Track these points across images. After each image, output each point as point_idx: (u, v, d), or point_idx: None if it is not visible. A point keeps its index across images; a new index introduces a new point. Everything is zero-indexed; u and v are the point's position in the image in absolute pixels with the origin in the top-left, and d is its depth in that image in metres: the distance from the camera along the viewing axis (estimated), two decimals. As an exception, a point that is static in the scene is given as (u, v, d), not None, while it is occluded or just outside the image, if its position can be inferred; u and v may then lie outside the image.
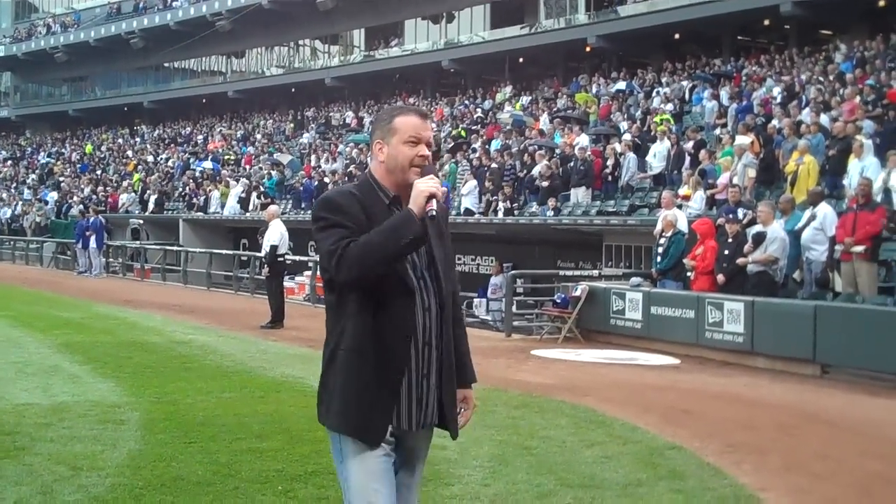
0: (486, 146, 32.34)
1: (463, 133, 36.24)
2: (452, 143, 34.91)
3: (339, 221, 3.89)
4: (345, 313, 3.97)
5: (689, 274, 17.07)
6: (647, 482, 7.65)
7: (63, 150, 65.26)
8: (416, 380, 3.95)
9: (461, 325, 4.26)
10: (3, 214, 50.87)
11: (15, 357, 13.94)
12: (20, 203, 51.88)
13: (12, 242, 46.56)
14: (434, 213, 3.83)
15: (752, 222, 16.67)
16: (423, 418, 3.99)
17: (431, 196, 3.83)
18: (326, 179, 36.68)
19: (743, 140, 20.95)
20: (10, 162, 67.17)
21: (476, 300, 25.16)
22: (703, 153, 22.69)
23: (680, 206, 19.44)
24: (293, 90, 55.16)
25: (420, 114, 4.10)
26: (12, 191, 57.93)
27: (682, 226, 17.83)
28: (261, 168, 42.62)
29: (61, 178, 55.59)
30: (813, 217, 16.07)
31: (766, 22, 35.38)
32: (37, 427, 9.05)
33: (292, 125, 51.41)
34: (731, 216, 16.79)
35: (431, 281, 4.00)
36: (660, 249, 17.81)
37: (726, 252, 16.16)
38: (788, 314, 14.56)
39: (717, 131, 24.85)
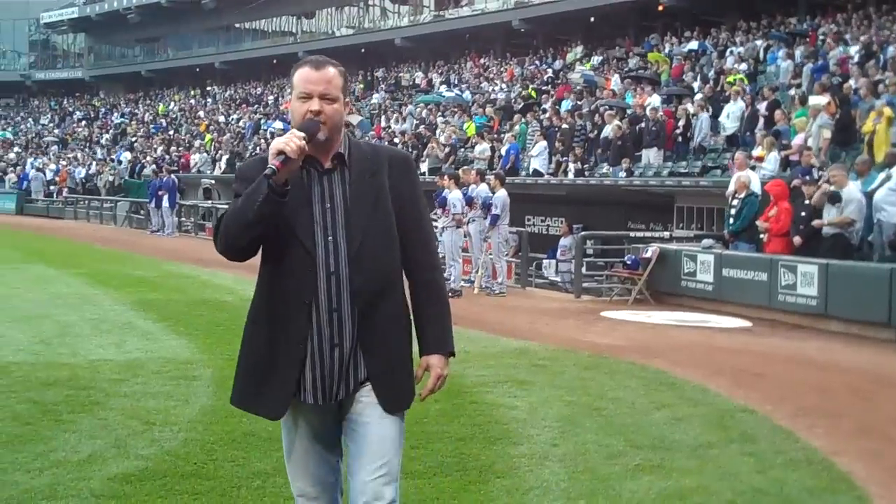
0: (557, 106, 32.10)
1: (533, 93, 36.00)
2: (522, 104, 34.74)
3: (238, 192, 3.68)
4: (259, 279, 3.80)
5: (761, 236, 16.85)
6: (717, 444, 7.58)
7: (136, 111, 65.99)
8: (325, 350, 3.65)
9: (429, 288, 3.87)
10: (77, 174, 51.58)
11: (90, 314, 14.18)
12: (94, 163, 52.56)
13: (87, 202, 47.22)
14: (271, 169, 3.48)
15: (828, 184, 16.38)
16: (336, 390, 3.68)
17: (279, 153, 3.51)
18: (396, 140, 36.74)
19: (818, 100, 20.55)
20: (84, 122, 68.14)
21: (545, 261, 25.05)
22: (777, 114, 22.31)
23: (753, 168, 19.16)
24: (363, 50, 55.15)
25: (313, 64, 3.75)
26: (86, 151, 58.70)
27: (756, 187, 17.56)
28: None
29: (134, 139, 56.22)
30: (888, 178, 15.73)
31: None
32: (111, 382, 9.21)
33: (362, 86, 51.43)
34: (807, 178, 16.52)
35: (345, 243, 3.66)
36: (732, 211, 17.57)
37: (802, 214, 15.91)
38: (864, 277, 14.31)
39: (792, 91, 24.41)
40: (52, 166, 54.70)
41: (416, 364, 3.86)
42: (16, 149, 64.91)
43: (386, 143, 36.28)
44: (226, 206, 3.97)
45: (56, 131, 68.10)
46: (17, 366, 9.96)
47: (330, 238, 3.66)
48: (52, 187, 52.18)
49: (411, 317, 3.85)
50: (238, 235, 3.63)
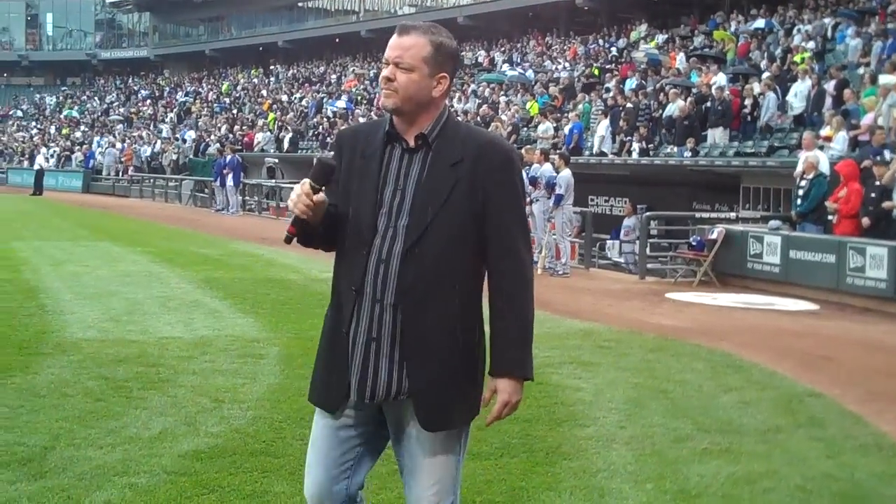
0: (621, 85, 31.87)
1: (597, 72, 35.78)
2: (585, 83, 34.55)
3: (327, 159, 3.53)
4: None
5: (830, 217, 16.63)
6: (785, 429, 7.52)
7: (200, 90, 66.52)
8: (360, 342, 3.39)
9: (508, 301, 3.45)
10: (142, 152, 52.20)
11: (158, 292, 14.34)
12: (159, 141, 53.14)
13: (152, 180, 47.78)
14: (287, 237, 3.43)
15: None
16: (374, 390, 3.37)
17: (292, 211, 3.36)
18: (458, 118, 36.63)
19: (888, 79, 20.20)
20: (149, 101, 68.87)
21: (609, 242, 24.94)
22: (846, 93, 21.96)
23: (821, 148, 18.90)
24: (425, 29, 55.05)
25: (400, 31, 3.47)
26: (151, 129, 59.35)
27: (824, 168, 17.33)
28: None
29: (198, 118, 56.71)
30: (962, 159, 15.49)
31: (916, -45, 33.96)
32: (180, 360, 9.31)
33: (424, 64, 51.37)
34: (877, 158, 16.27)
35: (403, 231, 3.36)
36: (800, 192, 17.35)
37: (872, 195, 15.68)
38: (935, 260, 14.10)
39: (861, 70, 24.01)
40: (119, 145, 55.39)
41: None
42: (82, 127, 65.82)
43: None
44: (290, 186, 3.82)
45: (121, 110, 68.95)
46: (88, 342, 10.10)
47: (393, 223, 3.37)
48: (118, 165, 52.86)
49: (483, 329, 3.50)
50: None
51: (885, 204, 15.32)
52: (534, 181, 19.21)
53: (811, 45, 27.96)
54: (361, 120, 41.14)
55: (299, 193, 3.34)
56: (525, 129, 32.46)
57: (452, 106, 39.15)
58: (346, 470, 3.53)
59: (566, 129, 29.40)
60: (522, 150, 21.29)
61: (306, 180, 3.37)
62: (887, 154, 16.74)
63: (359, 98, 48.12)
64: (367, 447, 3.56)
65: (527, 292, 3.50)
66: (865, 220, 15.66)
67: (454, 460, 3.50)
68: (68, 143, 62.13)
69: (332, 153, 3.59)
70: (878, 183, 15.71)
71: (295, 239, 3.46)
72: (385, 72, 3.41)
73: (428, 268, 3.35)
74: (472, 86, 40.88)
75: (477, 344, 3.48)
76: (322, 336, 3.56)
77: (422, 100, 3.41)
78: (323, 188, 3.37)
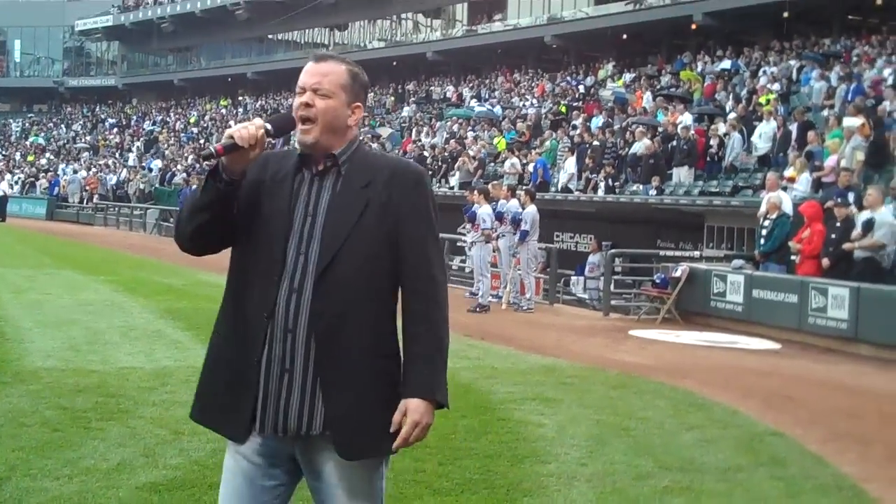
0: (587, 123, 32.10)
1: (564, 109, 36.01)
2: (552, 120, 34.77)
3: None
4: (224, 290, 3.48)
5: (793, 257, 16.75)
6: (747, 468, 7.53)
7: (168, 119, 66.37)
8: (274, 373, 3.25)
9: (421, 323, 3.36)
10: (108, 181, 51.93)
11: (119, 321, 14.22)
12: (125, 170, 52.91)
13: (117, 209, 47.52)
14: (208, 151, 3.19)
15: (862, 206, 16.28)
16: (286, 424, 3.25)
17: (229, 137, 3.21)
18: (426, 153, 36.78)
19: (852, 121, 20.44)
20: (116, 130, 68.58)
21: (573, 278, 25.01)
22: (810, 135, 22.19)
23: (785, 189, 19.07)
24: (394, 63, 55.30)
25: (315, 58, 3.43)
26: (118, 158, 59.09)
27: (787, 208, 17.48)
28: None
29: (165, 147, 56.52)
30: (923, 202, 15.67)
31: (878, 1, 34.44)
32: (140, 391, 9.22)
33: (393, 98, 51.58)
34: (840, 199, 16.43)
35: (316, 257, 3.27)
36: (763, 231, 17.48)
37: (833, 236, 15.82)
38: (895, 301, 14.21)
39: (825, 113, 24.30)
40: (83, 173, 55.12)
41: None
42: (48, 155, 65.44)
43: (416, 156, 36.39)
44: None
45: (88, 138, 68.61)
46: (47, 371, 9.98)
47: (303, 250, 3.28)
48: (83, 193, 52.58)
49: (400, 354, 3.38)
50: (185, 222, 3.37)
51: (845, 245, 15.45)
52: (500, 216, 19.24)
53: (776, 86, 28.29)
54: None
55: (248, 123, 3.25)
56: (492, 164, 32.57)
57: (420, 140, 39.31)
58: None
59: (532, 166, 29.52)
60: (489, 186, 21.37)
61: (260, 120, 3.30)
62: (850, 196, 16.90)
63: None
64: (281, 487, 3.42)
65: (441, 314, 3.40)
66: (825, 261, 15.79)
67: (377, 492, 3.39)
68: (33, 169, 61.73)
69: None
70: (838, 224, 15.86)
71: (213, 161, 3.24)
72: (303, 98, 3.35)
73: (341, 294, 3.26)
74: (440, 121, 40.99)
75: (395, 369, 3.37)
76: (216, 360, 3.42)
77: (338, 127, 3.37)
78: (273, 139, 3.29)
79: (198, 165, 47.03)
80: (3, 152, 71.40)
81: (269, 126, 3.29)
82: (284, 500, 3.44)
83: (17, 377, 9.61)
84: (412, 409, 3.28)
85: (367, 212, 3.31)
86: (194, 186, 35.89)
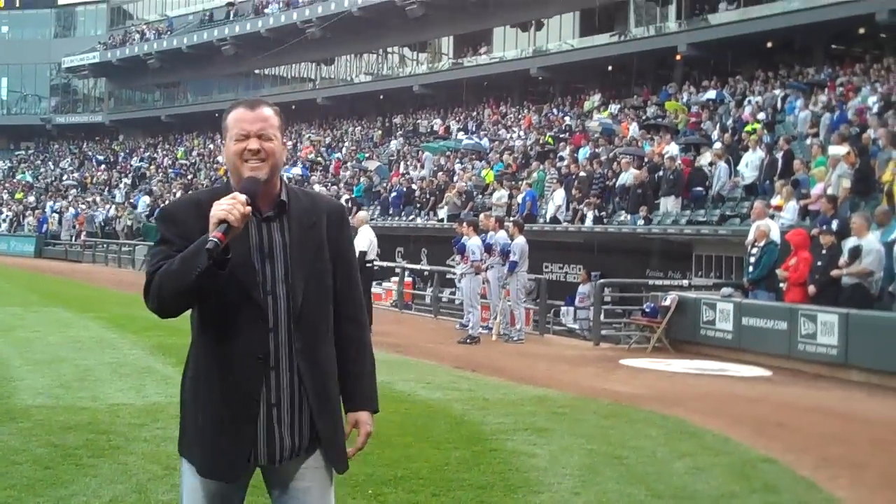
0: (574, 154, 32.21)
1: (550, 141, 36.14)
2: (539, 151, 34.91)
3: (166, 237, 3.50)
4: (195, 335, 3.61)
5: (781, 285, 16.80)
6: (739, 495, 7.53)
7: (155, 155, 66.45)
8: (265, 409, 3.48)
9: (358, 345, 3.76)
10: (96, 218, 51.90)
11: (109, 358, 14.19)
12: (113, 206, 52.89)
13: (105, 245, 47.47)
14: (214, 243, 3.23)
15: (846, 234, 16.35)
16: (279, 453, 3.52)
17: (221, 222, 3.27)
18: (414, 186, 36.87)
19: (837, 150, 20.55)
20: (103, 166, 68.59)
21: (563, 308, 25.04)
22: (796, 163, 22.32)
23: (772, 217, 19.14)
24: (381, 97, 55.50)
25: (247, 105, 3.60)
26: (105, 195, 59.07)
27: (775, 236, 17.54)
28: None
29: (153, 183, 56.54)
30: (909, 229, 15.74)
31: (862, 31, 34.75)
32: (131, 427, 9.19)
33: (380, 132, 51.73)
34: (825, 227, 16.51)
35: (285, 297, 3.51)
36: (752, 259, 17.53)
37: (819, 263, 15.88)
38: (884, 327, 14.27)
39: (810, 141, 24.43)
40: (71, 210, 55.09)
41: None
42: (35, 192, 65.39)
43: (404, 189, 36.50)
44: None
45: (76, 175, 68.61)
46: (38, 409, 9.95)
47: (269, 291, 3.50)
48: (71, 231, 52.52)
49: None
50: (172, 300, 3.43)
51: (833, 272, 15.50)
52: (489, 248, 19.28)
53: (762, 115, 28.44)
54: (317, 187, 41.25)
55: (233, 203, 3.32)
56: (480, 196, 32.64)
57: (407, 173, 39.39)
58: None
59: (520, 197, 29.60)
60: (480, 217, 21.41)
61: (238, 193, 3.38)
62: (834, 224, 16.98)
63: (314, 165, 48.25)
64: None
65: (368, 335, 3.85)
66: (811, 288, 15.84)
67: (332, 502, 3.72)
68: (21, 207, 61.68)
69: (164, 229, 3.56)
70: (824, 252, 15.93)
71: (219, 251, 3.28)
72: (252, 144, 3.50)
73: (311, 330, 3.55)
74: (427, 153, 41.08)
75: (338, 390, 3.71)
76: (203, 409, 3.54)
77: (279, 165, 3.58)
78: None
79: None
80: (-9, 190, 71.39)
81: (248, 199, 3.38)
82: None
83: (8, 415, 9.58)
84: (363, 421, 3.74)
85: (321, 249, 3.60)
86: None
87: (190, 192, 39.84)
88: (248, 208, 3.34)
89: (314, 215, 3.62)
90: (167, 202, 5.03)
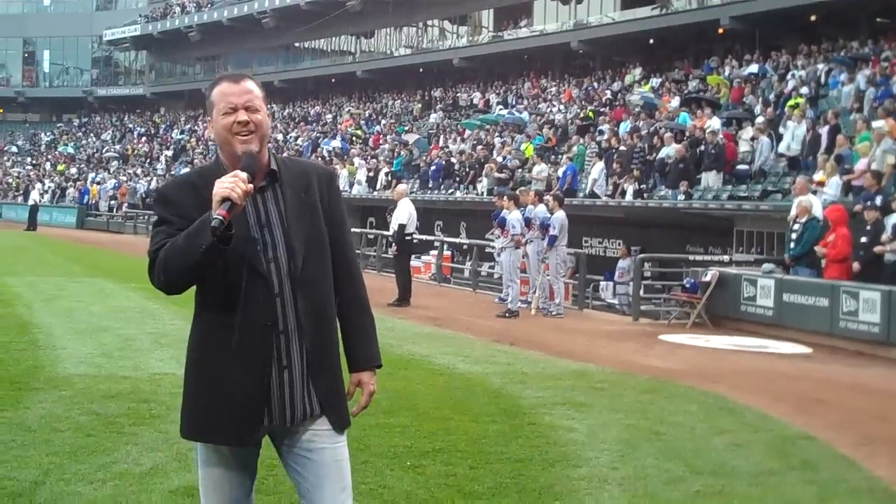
0: (615, 128, 32.02)
1: (591, 115, 35.94)
2: (580, 125, 34.75)
3: (165, 217, 3.59)
4: (198, 311, 3.68)
5: (821, 261, 16.67)
6: (778, 471, 7.50)
7: (196, 128, 66.68)
8: (276, 372, 3.57)
9: (358, 303, 3.84)
10: (138, 189, 52.24)
11: (150, 328, 14.33)
12: (154, 178, 53.20)
13: (146, 217, 47.78)
14: (219, 220, 3.30)
15: (890, 210, 16.19)
16: (291, 414, 3.60)
17: (224, 200, 3.34)
18: (453, 160, 36.82)
19: (881, 124, 20.33)
20: (144, 138, 68.99)
21: (602, 283, 24.96)
22: (839, 138, 22.08)
23: (815, 192, 18.96)
24: (421, 70, 55.33)
25: (231, 78, 3.69)
26: (147, 167, 59.42)
27: (818, 212, 17.38)
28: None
29: (194, 155, 56.82)
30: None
31: (907, 4, 34.22)
32: (172, 396, 9.24)
33: (420, 105, 51.63)
34: (868, 203, 16.34)
35: (286, 262, 3.59)
36: (793, 236, 17.40)
37: (863, 239, 15.73)
38: (928, 305, 14.13)
39: (854, 116, 24.15)
40: (113, 181, 55.50)
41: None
42: (77, 164, 65.92)
43: (443, 162, 36.46)
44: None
45: (117, 147, 69.05)
46: (80, 378, 10.08)
47: (271, 258, 3.58)
48: (112, 202, 52.91)
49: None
50: (178, 277, 3.52)
51: (876, 248, 15.36)
52: (528, 222, 19.25)
53: (805, 90, 28.12)
54: (357, 160, 41.28)
55: (235, 181, 3.39)
56: (520, 170, 32.55)
57: (447, 147, 39.34)
58: (248, 499, 3.76)
59: (560, 171, 29.50)
60: (517, 192, 21.35)
61: (238, 172, 3.44)
62: (878, 199, 16.81)
63: (354, 137, 48.29)
64: (251, 482, 3.77)
65: (365, 292, 3.91)
66: (856, 265, 15.72)
67: (348, 465, 3.76)
68: (63, 178, 62.20)
69: (161, 211, 3.65)
70: (868, 227, 15.77)
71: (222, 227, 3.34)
72: (241, 116, 3.58)
73: (314, 293, 3.64)
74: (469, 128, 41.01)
75: (338, 352, 3.79)
76: (211, 379, 3.61)
77: (266, 137, 3.67)
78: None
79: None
80: (33, 162, 72.02)
81: (248, 175, 3.45)
82: (253, 487, 3.79)
83: (50, 383, 9.71)
84: (367, 379, 3.85)
85: (315, 214, 3.70)
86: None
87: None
88: (251, 185, 3.42)
89: (305, 180, 3.72)
90: (160, 185, 5.22)
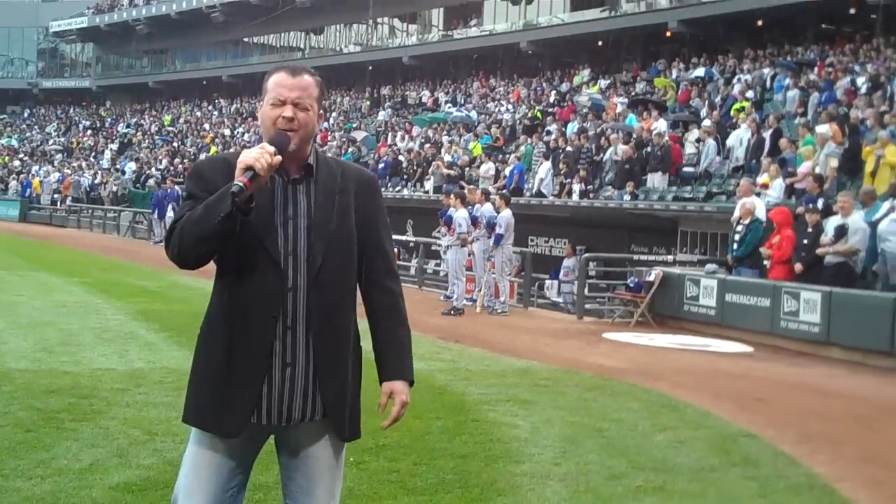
0: (562, 128, 32.16)
1: (539, 115, 36.07)
2: (527, 125, 34.86)
3: (193, 192, 3.52)
4: (214, 292, 3.64)
5: (765, 263, 16.87)
6: (719, 468, 7.58)
7: (142, 122, 66.16)
8: (277, 367, 3.48)
9: (395, 314, 3.74)
10: (82, 183, 51.70)
11: (93, 323, 14.19)
12: (99, 172, 52.69)
13: (90, 211, 47.33)
14: (239, 187, 3.29)
15: (830, 212, 16.41)
16: (289, 413, 3.51)
17: (248, 168, 3.32)
18: (401, 157, 36.80)
19: (824, 129, 20.59)
20: (90, 132, 68.28)
21: (548, 282, 25.09)
22: (783, 141, 22.34)
23: (758, 195, 19.16)
24: (370, 68, 55.25)
25: (290, 70, 3.58)
26: (91, 160, 58.81)
27: (761, 214, 17.57)
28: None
29: (139, 149, 56.32)
30: (892, 209, 15.81)
31: (852, 10, 34.65)
32: (113, 392, 9.19)
33: (368, 102, 51.55)
34: (810, 205, 16.56)
35: (305, 259, 3.51)
36: (736, 237, 17.58)
37: (805, 241, 15.94)
38: (866, 306, 14.34)
39: (798, 120, 24.44)
40: (56, 174, 54.87)
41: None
42: (21, 156, 65.08)
43: (391, 160, 36.44)
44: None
45: (61, 140, 68.28)
46: (20, 373, 9.95)
47: (290, 252, 3.51)
48: (55, 195, 52.31)
49: (360, 346, 3.70)
50: (193, 247, 3.44)
51: (818, 250, 15.56)
52: (475, 220, 19.29)
53: (750, 94, 28.40)
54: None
55: (261, 152, 3.36)
56: (467, 168, 32.59)
57: (395, 145, 39.31)
58: (231, 497, 3.62)
59: (508, 170, 29.58)
60: (465, 190, 21.39)
61: (266, 144, 3.43)
62: (819, 202, 17.04)
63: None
64: (245, 475, 3.68)
65: (404, 305, 3.79)
66: (798, 266, 15.93)
67: (341, 473, 3.73)
68: (5, 171, 61.38)
69: (191, 185, 3.59)
70: (809, 230, 15.99)
71: (243, 196, 3.32)
72: (287, 112, 3.51)
73: (330, 293, 3.55)
74: (417, 126, 41.01)
75: (358, 360, 3.70)
76: (210, 361, 3.57)
77: (311, 136, 3.59)
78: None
79: (171, 168, 46.99)
80: (-24, 154, 71.03)
81: (276, 150, 3.41)
82: (244, 486, 3.68)
83: (-10, 377, 9.57)
84: (398, 390, 3.69)
85: (344, 217, 3.59)
86: (170, 189, 35.83)
87: (176, 159, 39.69)
88: (278, 158, 3.38)
89: (343, 182, 3.63)
90: (197, 160, 5.06)
